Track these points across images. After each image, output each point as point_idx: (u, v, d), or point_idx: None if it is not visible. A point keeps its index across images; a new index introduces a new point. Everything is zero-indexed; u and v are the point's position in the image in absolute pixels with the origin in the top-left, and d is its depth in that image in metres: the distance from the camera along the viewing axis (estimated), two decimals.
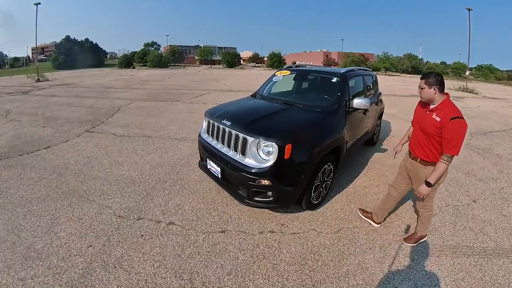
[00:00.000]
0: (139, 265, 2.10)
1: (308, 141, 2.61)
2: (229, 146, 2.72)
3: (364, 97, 4.06)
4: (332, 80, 3.65)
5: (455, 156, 2.00)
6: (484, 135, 6.78)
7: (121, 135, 5.38)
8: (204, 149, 3.08)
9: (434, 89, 2.07)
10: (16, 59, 67.24)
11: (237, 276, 2.04)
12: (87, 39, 51.03)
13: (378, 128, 5.45)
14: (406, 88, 17.85)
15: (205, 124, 3.32)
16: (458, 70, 46.39)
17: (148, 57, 47.91)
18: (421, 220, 2.52)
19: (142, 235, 2.42)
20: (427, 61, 56.64)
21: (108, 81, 17.73)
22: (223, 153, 2.76)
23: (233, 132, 2.66)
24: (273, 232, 2.58)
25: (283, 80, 4.31)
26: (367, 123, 4.39)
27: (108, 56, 71.67)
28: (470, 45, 21.38)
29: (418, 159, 2.26)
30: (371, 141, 5.13)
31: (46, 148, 4.66)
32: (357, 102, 3.24)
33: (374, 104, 4.63)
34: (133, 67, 44.24)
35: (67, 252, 2.22)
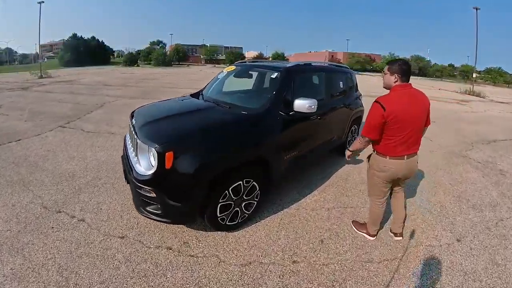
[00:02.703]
0: (35, 254, 2.18)
1: (201, 149, 2.13)
2: (132, 147, 2.54)
3: (329, 97, 3.55)
4: (272, 76, 3.07)
5: (367, 138, 2.12)
6: (487, 145, 5.92)
7: (88, 131, 5.52)
8: (124, 148, 2.90)
9: (396, 77, 2.04)
10: (25, 56, 69.27)
11: (108, 287, 1.93)
12: (93, 37, 51.87)
13: (354, 135, 4.62)
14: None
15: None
16: (466, 73, 45.64)
17: (152, 55, 48.60)
18: (369, 213, 2.54)
19: (52, 227, 2.51)
20: (434, 63, 55.68)
21: (108, 79, 18.13)
22: (128, 153, 2.57)
23: (133, 132, 2.50)
24: (170, 249, 2.28)
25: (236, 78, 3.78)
26: (331, 128, 3.77)
27: (116, 54, 72.82)
28: (478, 46, 20.92)
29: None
30: (343, 149, 4.26)
31: (17, 141, 4.90)
32: (298, 103, 2.66)
33: (344, 106, 4.02)
34: (138, 65, 44.85)
35: None
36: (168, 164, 2.01)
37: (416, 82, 27.76)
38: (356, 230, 2.62)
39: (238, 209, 2.47)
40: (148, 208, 2.20)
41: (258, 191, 2.57)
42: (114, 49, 73.00)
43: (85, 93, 11.34)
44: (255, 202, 2.62)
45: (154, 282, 1.98)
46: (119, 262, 2.12)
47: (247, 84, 3.99)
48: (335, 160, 4.42)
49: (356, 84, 4.73)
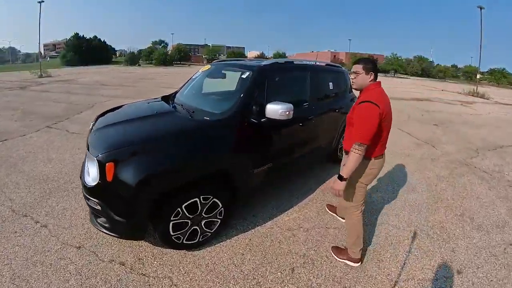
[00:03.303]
0: None
1: (146, 161, 1.88)
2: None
3: (310, 101, 3.14)
4: (242, 77, 2.70)
5: (366, 145, 1.80)
6: (494, 151, 5.47)
7: (73, 132, 5.46)
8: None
9: (371, 76, 1.94)
10: (28, 55, 70.14)
11: None
12: (95, 37, 52.09)
13: None
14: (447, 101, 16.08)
15: None
16: (470, 74, 45.23)
17: (153, 55, 48.71)
18: (347, 232, 2.24)
19: (15, 232, 2.47)
20: (437, 64, 55.21)
21: (106, 79, 18.05)
22: (85, 161, 2.33)
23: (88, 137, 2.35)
24: (123, 265, 2.12)
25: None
26: (317, 136, 3.39)
27: (118, 53, 73.19)
28: (482, 46, 20.21)
29: (345, 152, 2.16)
30: (335, 157, 3.98)
31: (2, 141, 4.92)
32: (270, 109, 2.34)
33: (334, 110, 3.64)
34: (139, 65, 44.90)
35: None
36: (109, 176, 1.81)
37: (418, 83, 27.70)
38: (337, 258, 2.27)
39: (197, 227, 2.20)
40: (98, 220, 2.06)
41: (222, 209, 2.28)
42: (116, 49, 73.43)
43: (81, 92, 11.32)
44: (218, 221, 2.33)
45: None
46: (70, 274, 2.03)
47: (232, 84, 3.48)
48: (321, 170, 4.00)
49: (350, 85, 4.23)
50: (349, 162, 1.85)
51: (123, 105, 3.30)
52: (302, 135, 3.13)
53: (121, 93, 11.19)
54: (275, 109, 2.34)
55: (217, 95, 3.34)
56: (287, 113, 2.34)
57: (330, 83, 3.66)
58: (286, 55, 51.52)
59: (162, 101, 3.17)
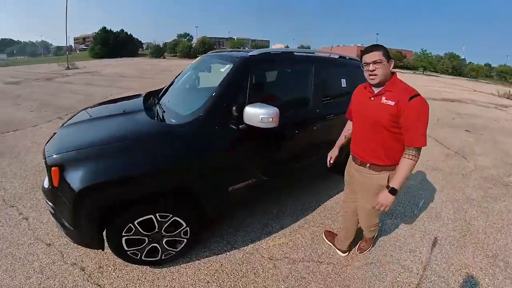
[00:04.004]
0: None
1: (91, 169, 1.63)
2: None
3: (308, 103, 2.65)
4: (221, 70, 2.30)
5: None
6: None
7: None
8: None
9: (391, 64, 1.58)
10: (59, 48, 74.23)
11: None
12: (122, 30, 53.70)
13: None
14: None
15: None
16: (504, 74, 41.86)
17: (178, 47, 49.62)
18: (366, 235, 2.24)
19: None
20: (470, 62, 51.42)
21: (129, 71, 18.62)
22: None
23: None
24: (83, 270, 2.05)
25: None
26: (322, 145, 2.71)
27: (145, 46, 75.32)
28: None
29: (368, 165, 1.74)
30: (343, 169, 3.24)
31: (14, 131, 5.18)
32: (249, 113, 1.91)
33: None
34: (164, 57, 46.10)
35: None
36: (55, 181, 1.66)
37: (448, 81, 25.74)
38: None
39: (157, 245, 1.97)
40: (58, 222, 1.91)
41: (187, 228, 2.00)
42: (142, 42, 75.58)
43: (101, 84, 11.71)
44: (184, 240, 2.06)
45: None
46: (33, 272, 2.03)
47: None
48: (324, 184, 3.43)
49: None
50: (405, 171, 1.56)
51: (106, 101, 3.18)
52: (299, 145, 2.63)
53: (137, 85, 11.38)
54: (255, 114, 1.88)
55: (199, 92, 2.77)
56: (271, 119, 1.87)
57: (343, 80, 3.03)
58: (311, 48, 50.23)
59: (142, 98, 2.85)
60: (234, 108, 1.99)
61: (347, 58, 3.32)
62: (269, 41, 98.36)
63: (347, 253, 2.31)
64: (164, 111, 2.30)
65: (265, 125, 1.89)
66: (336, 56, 3.20)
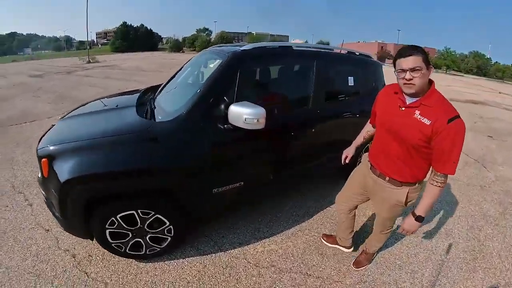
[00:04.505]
0: None
1: (75, 162, 1.68)
2: None
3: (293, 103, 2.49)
4: (210, 66, 2.24)
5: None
6: None
7: None
8: None
9: (431, 71, 1.35)
10: (81, 43, 77.30)
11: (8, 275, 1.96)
12: (142, 25, 55.25)
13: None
14: None
15: None
16: None
17: (196, 42, 50.31)
18: (375, 239, 2.02)
19: (6, 206, 2.72)
20: (496, 62, 48.40)
21: (146, 65, 18.87)
22: None
23: None
24: (74, 257, 2.12)
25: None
26: (323, 148, 2.66)
27: (164, 40, 76.77)
28: None
29: (387, 178, 1.60)
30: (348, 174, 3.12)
31: (31, 122, 5.46)
32: (233, 112, 1.79)
33: (354, 115, 2.78)
34: (183, 52, 46.87)
35: None
36: (45, 172, 1.74)
37: (472, 82, 24.21)
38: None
39: (140, 240, 1.97)
40: (51, 211, 1.97)
41: (170, 227, 1.97)
42: (162, 36, 77.11)
43: (119, 78, 11.89)
44: (169, 238, 2.03)
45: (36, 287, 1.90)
46: (30, 255, 2.16)
47: None
48: (325, 188, 3.18)
49: (383, 82, 3.11)
50: (432, 198, 1.44)
51: (114, 94, 3.26)
52: (295, 148, 2.45)
53: (150, 79, 11.43)
54: (239, 114, 1.75)
55: (187, 88, 2.56)
56: (256, 120, 1.74)
57: (350, 78, 2.81)
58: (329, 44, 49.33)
59: (141, 93, 2.85)
60: (221, 106, 1.89)
61: (357, 54, 3.07)
62: (288, 36, 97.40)
63: (351, 248, 2.22)
64: (154, 107, 2.28)
65: (250, 127, 1.76)
66: (345, 52, 2.98)
